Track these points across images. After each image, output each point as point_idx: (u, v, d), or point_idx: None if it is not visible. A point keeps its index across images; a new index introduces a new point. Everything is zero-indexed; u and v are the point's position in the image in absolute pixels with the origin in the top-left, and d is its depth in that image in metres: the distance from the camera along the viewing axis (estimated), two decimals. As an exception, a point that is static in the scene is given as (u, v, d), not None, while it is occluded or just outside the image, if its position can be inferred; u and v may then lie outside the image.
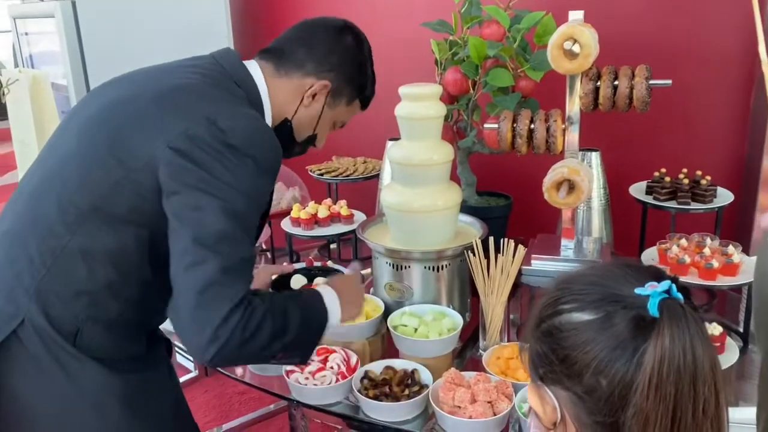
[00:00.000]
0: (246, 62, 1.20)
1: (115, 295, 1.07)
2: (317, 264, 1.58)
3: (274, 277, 1.43)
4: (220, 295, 0.96)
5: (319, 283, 1.29)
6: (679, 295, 0.61)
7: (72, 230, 1.04)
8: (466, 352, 1.56)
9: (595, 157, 1.75)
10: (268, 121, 1.20)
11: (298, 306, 1.10)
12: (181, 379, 2.13)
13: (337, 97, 1.24)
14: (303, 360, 1.16)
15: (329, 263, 1.62)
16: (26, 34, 2.72)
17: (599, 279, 0.65)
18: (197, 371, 2.70)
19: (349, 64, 1.23)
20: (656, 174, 1.78)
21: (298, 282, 1.42)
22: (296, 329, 1.07)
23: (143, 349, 1.16)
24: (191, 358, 2.70)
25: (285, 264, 1.51)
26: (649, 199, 1.73)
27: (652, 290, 0.60)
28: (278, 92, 1.20)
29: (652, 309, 0.59)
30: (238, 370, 1.54)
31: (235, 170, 1.01)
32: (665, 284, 0.60)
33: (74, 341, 1.06)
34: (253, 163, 1.03)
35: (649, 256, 1.62)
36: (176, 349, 1.60)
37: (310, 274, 1.45)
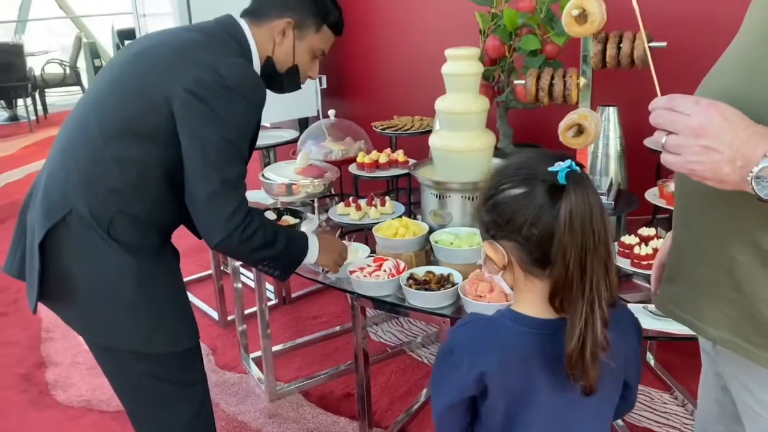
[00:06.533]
0: (239, 20, 1.51)
1: (139, 195, 1.36)
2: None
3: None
4: (225, 200, 1.33)
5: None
6: (578, 168, 0.89)
7: (107, 143, 1.34)
8: (494, 267, 1.92)
9: (612, 112, 2.06)
10: (256, 63, 1.50)
11: (286, 234, 1.47)
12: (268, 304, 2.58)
13: (302, 29, 1.52)
14: (281, 276, 1.53)
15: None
16: (144, 15, 3.24)
17: (523, 163, 0.93)
18: (277, 300, 3.18)
19: (304, 1, 1.51)
20: (667, 127, 2.06)
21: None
22: (281, 248, 1.44)
23: (157, 242, 1.44)
24: (272, 289, 3.18)
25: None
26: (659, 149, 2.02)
27: (559, 167, 0.88)
28: (259, 39, 1.50)
29: (561, 178, 0.85)
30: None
31: (231, 107, 1.33)
32: (567, 162, 0.88)
33: (107, 229, 1.35)
34: (244, 101, 1.36)
35: (652, 192, 1.93)
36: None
37: (279, 212, 1.85)
